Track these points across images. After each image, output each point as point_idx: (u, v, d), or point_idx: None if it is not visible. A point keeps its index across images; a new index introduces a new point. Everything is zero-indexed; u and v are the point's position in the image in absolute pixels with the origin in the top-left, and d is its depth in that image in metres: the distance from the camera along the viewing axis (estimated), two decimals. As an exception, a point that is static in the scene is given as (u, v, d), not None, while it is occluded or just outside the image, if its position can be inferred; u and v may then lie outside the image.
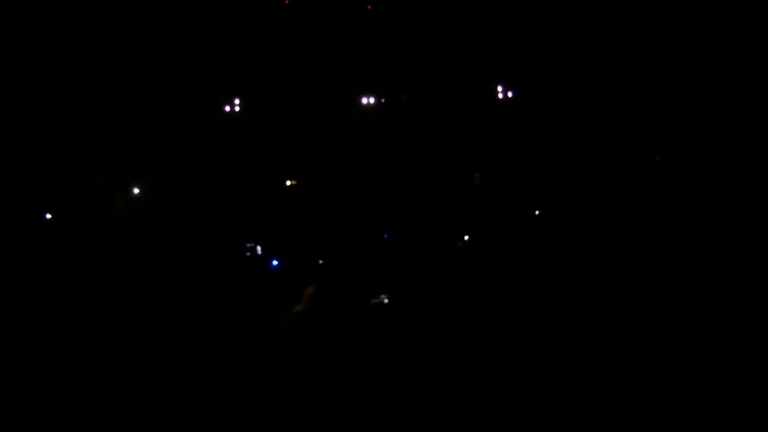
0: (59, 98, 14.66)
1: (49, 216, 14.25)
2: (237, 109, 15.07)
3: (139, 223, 14.51)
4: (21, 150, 14.48)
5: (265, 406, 13.09)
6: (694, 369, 12.97)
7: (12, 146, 14.46)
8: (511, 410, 13.05)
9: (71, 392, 13.10)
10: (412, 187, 14.96)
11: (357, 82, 15.16)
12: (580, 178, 14.74)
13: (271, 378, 13.33)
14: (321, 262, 14.18)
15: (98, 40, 14.76)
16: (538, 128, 15.10)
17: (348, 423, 12.90)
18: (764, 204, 14.15)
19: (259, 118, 15.22)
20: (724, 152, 14.44)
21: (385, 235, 14.43)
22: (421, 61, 15.23)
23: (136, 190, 14.51)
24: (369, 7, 15.26)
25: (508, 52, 15.05)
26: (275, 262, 14.24)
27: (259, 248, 14.33)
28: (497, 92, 15.08)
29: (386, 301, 13.86)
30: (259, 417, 13.04)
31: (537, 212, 14.50)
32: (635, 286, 13.84)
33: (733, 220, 14.13)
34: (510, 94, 15.06)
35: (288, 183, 14.84)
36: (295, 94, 15.22)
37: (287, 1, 15.25)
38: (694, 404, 12.76)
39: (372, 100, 15.05)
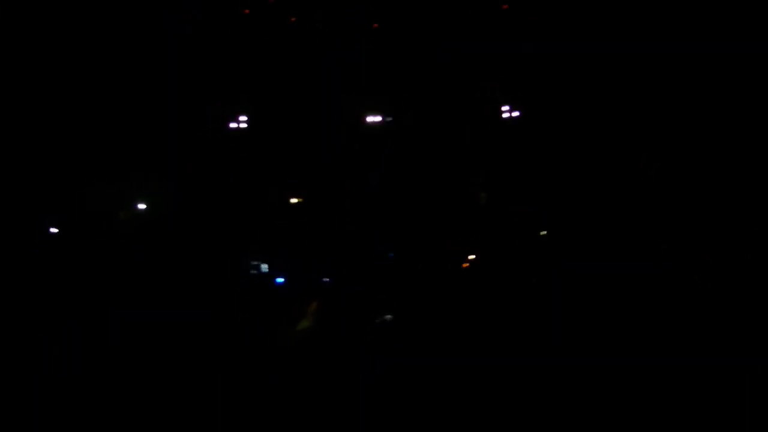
0: (58, 99, 14.66)
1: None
2: (244, 124, 15.07)
3: (139, 223, 14.51)
4: (19, 150, 14.48)
5: (265, 406, 13.10)
6: (694, 369, 12.97)
7: (11, 146, 14.46)
8: (511, 410, 13.06)
9: (71, 392, 13.10)
10: (413, 187, 14.95)
11: (357, 83, 15.16)
12: (580, 177, 14.73)
13: (271, 378, 13.33)
14: (326, 279, 14.21)
15: (98, 40, 14.77)
16: (537, 128, 15.10)
17: (348, 423, 12.91)
18: (764, 204, 14.14)
19: (259, 118, 15.21)
20: (724, 152, 14.43)
21: (390, 254, 14.44)
22: (421, 61, 15.23)
23: (142, 206, 14.50)
24: (375, 26, 15.26)
25: (508, 52, 15.05)
26: (280, 280, 14.26)
27: (265, 266, 14.33)
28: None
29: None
30: (259, 417, 13.05)
31: (543, 228, 14.52)
32: (635, 286, 13.84)
33: (733, 220, 14.12)
34: (516, 113, 15.05)
35: (294, 201, 14.85)
36: (295, 95, 15.22)
37: (293, 19, 15.28)
38: (694, 404, 12.77)
39: (378, 118, 15.06)
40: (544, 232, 14.37)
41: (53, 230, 14.21)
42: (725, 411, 12.67)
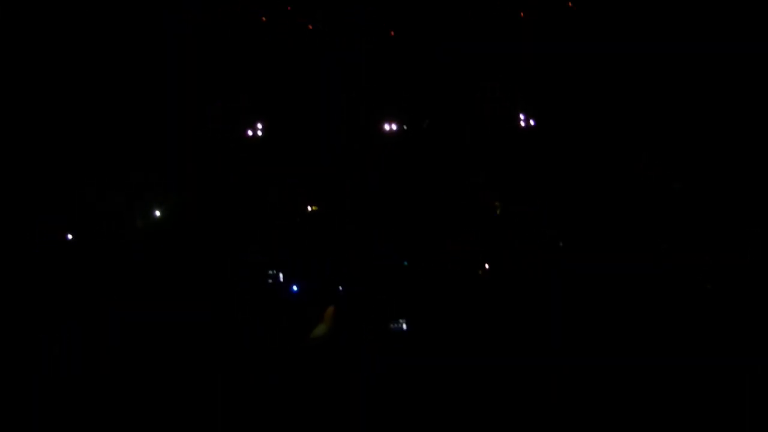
0: (57, 99, 14.67)
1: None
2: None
3: (138, 223, 14.51)
4: (18, 150, 14.49)
5: (265, 406, 13.12)
6: (694, 369, 12.99)
7: (10, 146, 14.47)
8: (511, 410, 13.07)
9: (71, 392, 13.12)
10: (412, 187, 14.96)
11: (357, 83, 15.16)
12: (580, 177, 14.74)
13: (271, 378, 13.35)
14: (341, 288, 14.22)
15: (97, 41, 14.78)
16: (537, 128, 15.10)
17: (348, 423, 12.92)
18: (764, 204, 14.15)
19: (259, 118, 15.22)
20: (724, 152, 14.44)
21: (405, 262, 14.45)
22: (421, 60, 15.23)
23: (158, 213, 14.51)
24: (392, 33, 15.28)
25: (508, 52, 15.05)
26: (295, 288, 14.28)
27: (281, 275, 14.36)
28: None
29: (405, 327, 13.91)
30: (259, 417, 13.06)
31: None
32: (635, 286, 13.84)
33: (733, 220, 14.13)
34: (532, 122, 15.04)
35: (309, 208, 14.84)
36: (295, 94, 15.23)
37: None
38: (694, 404, 12.78)
39: (395, 127, 15.05)
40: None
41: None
42: (725, 411, 12.68)
